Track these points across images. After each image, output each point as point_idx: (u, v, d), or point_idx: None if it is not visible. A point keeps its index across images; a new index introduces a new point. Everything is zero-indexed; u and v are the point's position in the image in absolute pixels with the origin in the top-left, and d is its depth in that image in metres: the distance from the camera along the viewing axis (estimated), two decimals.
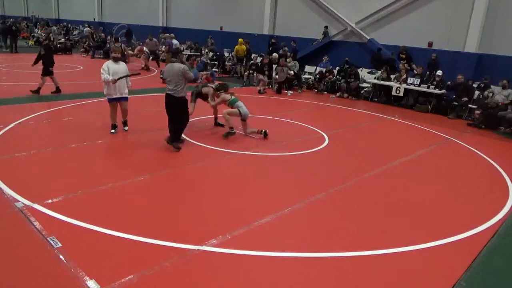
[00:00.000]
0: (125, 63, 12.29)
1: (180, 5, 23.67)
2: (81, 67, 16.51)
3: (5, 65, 15.21)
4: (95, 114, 8.59)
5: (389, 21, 15.18)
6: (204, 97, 8.21)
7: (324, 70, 15.04)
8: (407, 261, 3.87)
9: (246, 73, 15.14)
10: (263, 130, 7.79)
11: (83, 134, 7.08)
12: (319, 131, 8.67)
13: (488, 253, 4.10)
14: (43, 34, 25.38)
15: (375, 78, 13.73)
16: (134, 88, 9.53)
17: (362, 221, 4.64)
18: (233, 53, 17.49)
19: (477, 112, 10.45)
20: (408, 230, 4.49)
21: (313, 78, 15.00)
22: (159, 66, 17.36)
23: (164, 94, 6.60)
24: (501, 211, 5.16)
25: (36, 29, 29.22)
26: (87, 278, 3.20)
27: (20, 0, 38.55)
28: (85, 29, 25.41)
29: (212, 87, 7.98)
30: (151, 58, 17.78)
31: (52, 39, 24.46)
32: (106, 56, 16.52)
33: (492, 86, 11.45)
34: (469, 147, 8.32)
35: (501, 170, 6.89)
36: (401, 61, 13.81)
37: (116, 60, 7.00)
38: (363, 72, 14.86)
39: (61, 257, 3.47)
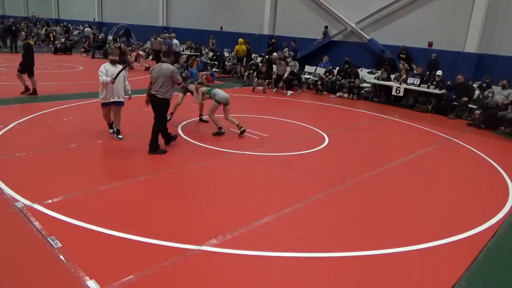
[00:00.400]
0: (125, 63, 12.37)
1: (180, 5, 23.68)
2: (81, 67, 16.51)
3: (5, 65, 15.21)
4: (95, 114, 8.57)
5: (389, 21, 15.19)
6: (191, 93, 8.32)
7: (324, 71, 15.03)
8: (407, 261, 3.87)
9: (246, 73, 15.14)
10: (242, 128, 7.73)
11: (83, 134, 7.08)
12: (319, 131, 8.67)
13: (488, 253, 4.10)
14: (42, 33, 25.39)
15: (375, 78, 13.73)
16: (134, 88, 9.52)
17: (362, 221, 4.64)
18: (233, 53, 17.49)
19: (477, 112, 10.45)
20: (408, 230, 4.49)
21: (313, 78, 14.99)
22: None
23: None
24: (501, 211, 5.16)
25: (36, 29, 29.21)
26: (87, 278, 3.20)
27: (20, 0, 38.55)
28: (85, 29, 25.44)
29: (196, 83, 8.11)
30: (150, 58, 17.81)
31: (52, 39, 24.53)
32: (106, 56, 16.49)
33: (492, 86, 11.45)
34: (469, 147, 8.32)
35: (501, 170, 6.88)
36: (401, 61, 13.82)
37: (113, 62, 6.75)
38: (363, 72, 14.87)
39: (61, 257, 3.47)
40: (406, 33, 14.58)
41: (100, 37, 22.49)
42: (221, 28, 21.44)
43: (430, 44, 14.15)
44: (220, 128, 7.66)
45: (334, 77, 14.55)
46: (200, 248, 3.77)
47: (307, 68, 16.28)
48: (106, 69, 6.58)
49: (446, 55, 13.35)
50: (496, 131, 10.00)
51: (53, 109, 8.92)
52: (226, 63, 17.79)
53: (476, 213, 5.09)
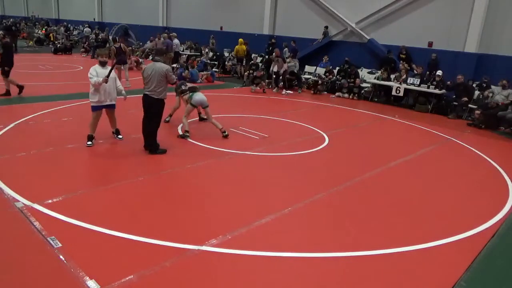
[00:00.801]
0: (125, 63, 12.40)
1: (180, 5, 23.68)
2: (81, 67, 16.50)
3: None
4: None
5: (389, 21, 15.18)
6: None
7: (324, 71, 15.02)
8: (407, 261, 3.87)
9: (246, 73, 15.14)
10: (225, 133, 7.55)
11: (83, 134, 7.06)
12: (319, 131, 8.67)
13: (488, 253, 4.10)
14: (41, 33, 25.42)
15: (375, 78, 13.73)
16: (134, 88, 9.54)
17: (362, 221, 4.64)
18: (233, 53, 17.49)
19: (477, 112, 10.45)
20: (408, 230, 4.49)
21: (312, 78, 14.98)
22: None
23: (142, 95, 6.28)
24: (501, 211, 5.16)
25: (36, 29, 29.23)
26: (87, 278, 3.20)
27: (20, 0, 38.56)
28: (85, 29, 25.44)
29: (184, 88, 8.11)
30: (151, 58, 17.79)
31: (52, 39, 24.54)
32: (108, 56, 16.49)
33: (492, 86, 11.45)
34: (469, 147, 8.32)
35: (501, 170, 6.88)
36: (401, 61, 13.81)
37: (103, 64, 6.49)
38: (363, 72, 14.86)
39: (61, 257, 3.47)
40: (406, 33, 14.58)
41: (100, 37, 22.49)
42: (221, 28, 21.44)
43: (430, 44, 14.15)
44: (187, 131, 7.44)
45: (334, 77, 14.55)
46: (200, 248, 3.77)
47: (307, 68, 16.28)
48: (96, 71, 6.34)
49: (446, 55, 13.34)
50: (496, 131, 9.99)
51: (53, 109, 8.92)
52: (226, 63, 17.79)
53: (476, 213, 5.09)
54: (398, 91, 12.30)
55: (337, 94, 13.69)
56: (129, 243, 3.78)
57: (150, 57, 21.14)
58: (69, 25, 29.30)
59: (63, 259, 3.44)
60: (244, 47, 16.67)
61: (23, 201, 4.45)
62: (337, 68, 15.22)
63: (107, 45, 20.01)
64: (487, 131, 9.99)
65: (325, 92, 14.24)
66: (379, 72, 13.66)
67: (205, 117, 8.59)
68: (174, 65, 14.80)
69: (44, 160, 5.83)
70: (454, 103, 11.49)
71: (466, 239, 4.35)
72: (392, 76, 12.97)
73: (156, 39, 18.44)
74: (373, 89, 13.52)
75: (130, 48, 19.85)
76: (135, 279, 3.25)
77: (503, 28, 12.49)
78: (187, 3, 23.12)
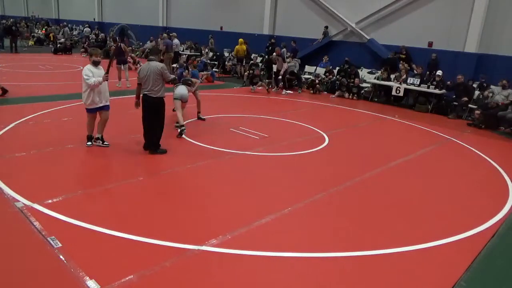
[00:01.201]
0: (125, 63, 12.39)
1: (180, 5, 23.68)
2: (81, 67, 16.47)
3: (5, 65, 15.21)
4: None
5: (389, 21, 15.18)
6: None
7: (324, 71, 15.01)
8: (407, 261, 3.87)
9: (246, 73, 15.14)
10: (180, 129, 7.43)
11: (83, 134, 7.06)
12: (319, 131, 8.67)
13: (488, 253, 4.10)
14: (41, 33, 25.42)
15: (375, 78, 13.73)
16: (135, 88, 9.51)
17: (362, 221, 4.64)
18: (233, 53, 17.49)
19: (477, 112, 10.45)
20: (408, 230, 4.49)
21: (312, 78, 14.99)
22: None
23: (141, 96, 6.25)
24: (501, 211, 5.16)
25: (36, 29, 29.24)
26: (87, 278, 3.20)
27: (20, 0, 38.56)
28: (85, 29, 25.45)
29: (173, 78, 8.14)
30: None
31: (52, 39, 24.54)
32: (106, 56, 16.51)
33: (492, 86, 11.46)
34: (469, 147, 8.32)
35: (501, 170, 6.88)
36: (401, 61, 13.80)
37: (96, 64, 6.27)
38: (363, 72, 14.86)
39: (61, 257, 3.47)
40: (406, 33, 14.57)
41: (100, 37, 22.50)
42: (221, 28, 21.44)
43: (430, 44, 14.15)
44: (182, 126, 7.50)
45: (334, 77, 14.54)
46: (200, 248, 3.77)
47: (307, 68, 16.28)
48: (92, 72, 6.14)
49: (446, 55, 13.34)
50: (496, 131, 9.99)
51: (53, 109, 8.93)
52: (226, 63, 17.79)
53: (476, 213, 5.09)
54: (398, 91, 12.30)
55: (337, 93, 13.68)
56: (129, 243, 3.78)
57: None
58: (69, 25, 29.30)
59: (63, 259, 3.44)
60: (244, 47, 16.67)
61: (23, 201, 4.45)
62: (337, 68, 15.22)
63: (107, 45, 20.04)
64: (487, 131, 9.99)
65: (325, 92, 14.24)
66: (379, 72, 13.66)
67: (204, 118, 8.68)
68: (174, 65, 14.80)
69: (44, 160, 5.83)
70: (454, 103, 11.50)
71: (466, 239, 4.35)
72: (392, 76, 12.97)
73: (159, 39, 18.45)
74: (373, 89, 13.52)
75: (130, 48, 19.88)
76: (135, 279, 3.25)
77: (503, 28, 12.49)
78: (187, 3, 23.12)
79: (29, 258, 3.46)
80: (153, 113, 6.27)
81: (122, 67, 12.27)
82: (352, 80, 13.65)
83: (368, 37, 15.69)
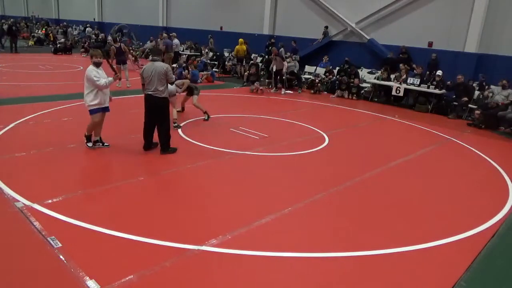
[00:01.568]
0: (125, 63, 12.40)
1: (180, 5, 23.68)
2: (81, 67, 16.50)
3: (5, 65, 15.22)
4: None
5: (389, 21, 15.19)
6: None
7: (324, 71, 15.00)
8: (407, 261, 3.87)
9: (246, 73, 15.15)
10: (175, 124, 7.87)
11: (83, 134, 7.06)
12: (319, 131, 8.67)
13: (488, 253, 4.10)
14: (41, 33, 25.41)
15: (375, 78, 13.72)
16: (135, 88, 9.54)
17: (362, 221, 4.64)
18: (233, 53, 17.49)
19: (477, 112, 10.45)
20: (408, 230, 4.49)
21: (312, 78, 14.98)
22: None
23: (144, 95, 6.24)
24: (501, 211, 5.16)
25: (36, 29, 29.24)
26: (87, 278, 3.20)
27: (20, 0, 38.56)
28: (87, 29, 25.47)
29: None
30: (151, 58, 17.81)
31: (52, 39, 24.54)
32: (106, 56, 16.52)
33: (492, 86, 11.46)
34: (469, 147, 8.32)
35: (501, 170, 6.88)
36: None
37: (98, 65, 6.17)
38: (363, 72, 14.86)
39: (61, 257, 3.47)
40: (406, 33, 14.58)
41: (100, 37, 22.50)
42: (221, 28, 21.44)
43: (430, 44, 14.15)
44: (175, 120, 7.90)
45: (334, 77, 14.54)
46: (200, 248, 3.77)
47: (307, 68, 16.28)
48: (98, 73, 6.07)
49: (446, 55, 13.34)
50: (496, 131, 9.99)
51: (53, 109, 8.93)
52: (226, 63, 17.79)
53: (476, 213, 5.09)
54: (398, 91, 12.30)
55: (336, 93, 13.67)
56: (129, 243, 3.78)
57: (150, 57, 21.21)
58: (66, 25, 29.31)
59: (63, 259, 3.44)
60: (244, 47, 16.68)
61: (23, 201, 4.45)
62: (337, 68, 15.22)
63: (107, 45, 20.04)
64: (487, 131, 9.99)
65: (325, 92, 14.24)
66: (379, 72, 13.66)
67: (206, 118, 8.71)
68: (174, 65, 14.81)
69: (44, 160, 5.83)
70: (454, 103, 11.49)
71: (466, 239, 4.35)
72: (392, 76, 12.97)
73: (158, 39, 18.46)
74: (373, 89, 13.52)
75: (130, 48, 19.89)
76: (135, 279, 3.25)
77: (503, 28, 12.49)
78: (187, 3, 23.13)
79: (29, 258, 3.46)
80: (157, 113, 6.24)
81: (122, 67, 12.27)
82: (352, 80, 13.65)
83: (368, 37, 15.69)
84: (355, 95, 13.39)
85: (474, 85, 11.79)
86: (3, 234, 3.83)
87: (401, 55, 14.11)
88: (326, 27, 16.87)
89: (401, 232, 4.42)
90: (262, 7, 19.00)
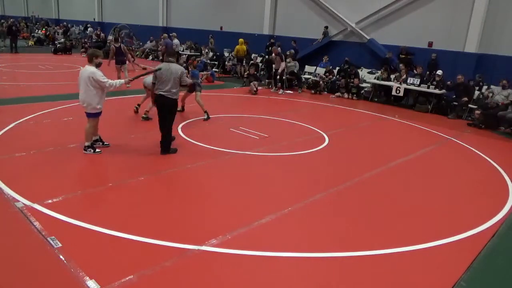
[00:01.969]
0: (124, 63, 12.40)
1: (180, 5, 23.68)
2: (81, 67, 16.52)
3: (5, 65, 15.21)
4: None
5: (389, 21, 15.18)
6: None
7: (324, 71, 14.99)
8: (407, 261, 3.87)
9: (246, 73, 15.14)
10: (145, 116, 8.26)
11: (83, 134, 7.06)
12: (319, 131, 8.67)
13: (488, 253, 4.10)
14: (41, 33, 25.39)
15: (375, 78, 13.72)
16: (135, 88, 9.54)
17: (362, 221, 4.64)
18: (233, 53, 17.49)
19: (477, 112, 10.45)
20: (408, 230, 4.49)
21: (313, 78, 14.97)
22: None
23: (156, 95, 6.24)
24: (501, 211, 5.16)
25: (36, 29, 29.23)
26: (87, 278, 3.20)
27: (20, 0, 38.55)
28: (89, 29, 25.46)
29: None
30: (150, 58, 17.82)
31: (52, 38, 24.54)
32: (106, 56, 16.52)
33: (492, 86, 11.45)
34: (469, 147, 8.32)
35: (501, 170, 6.88)
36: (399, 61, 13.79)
37: (99, 66, 6.03)
38: (363, 72, 14.86)
39: (61, 257, 3.47)
40: (406, 33, 14.57)
41: (100, 37, 22.50)
42: (221, 28, 21.43)
43: (430, 44, 14.14)
44: (147, 111, 8.30)
45: (334, 77, 14.54)
46: (200, 248, 3.77)
47: (307, 68, 16.27)
48: (103, 74, 5.92)
49: (446, 55, 13.34)
50: (496, 131, 9.99)
51: (53, 109, 8.93)
52: (226, 63, 17.79)
53: (476, 213, 5.09)
54: (398, 91, 12.30)
55: (336, 94, 13.68)
56: (129, 243, 3.78)
57: (150, 57, 21.25)
58: (69, 25, 29.30)
59: (63, 259, 3.44)
60: (244, 47, 16.67)
61: (23, 201, 4.45)
62: (337, 68, 15.22)
63: (107, 45, 20.03)
64: (487, 131, 9.98)
65: (325, 92, 14.24)
66: (379, 72, 13.66)
67: (205, 118, 8.73)
68: None
69: (44, 160, 5.83)
70: (454, 103, 11.49)
71: (466, 239, 4.35)
72: (392, 76, 12.97)
73: (160, 40, 18.47)
74: (373, 89, 13.52)
75: (131, 48, 19.90)
76: (135, 279, 3.25)
77: (503, 28, 12.49)
78: (187, 3, 23.12)
79: (29, 258, 3.46)
80: (165, 112, 6.27)
81: (122, 67, 12.27)
82: (352, 80, 13.65)
83: (368, 37, 15.68)
84: (355, 95, 13.38)
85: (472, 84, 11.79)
86: (3, 234, 3.83)
87: (401, 55, 14.10)
88: (326, 27, 16.86)
89: (401, 232, 4.42)
90: (262, 7, 18.99)
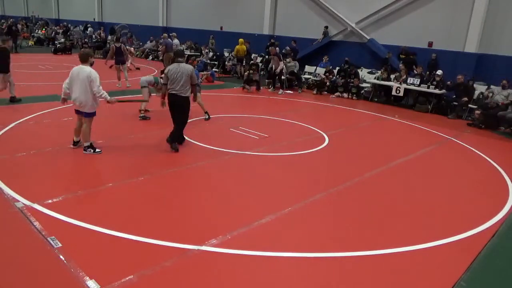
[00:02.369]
0: (124, 63, 12.39)
1: (180, 5, 23.68)
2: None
3: None
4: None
5: (389, 21, 15.18)
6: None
7: (324, 71, 15.00)
8: (407, 261, 3.87)
9: (246, 73, 15.13)
10: (141, 114, 8.47)
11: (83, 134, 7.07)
12: (319, 131, 8.67)
13: (488, 253, 4.10)
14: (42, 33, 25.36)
15: (375, 78, 13.72)
16: (135, 88, 9.54)
17: (362, 221, 4.64)
18: (233, 53, 17.49)
19: (477, 112, 10.45)
20: (408, 230, 4.49)
21: (313, 78, 14.96)
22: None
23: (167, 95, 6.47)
24: (501, 211, 5.16)
25: (36, 29, 29.21)
26: (87, 278, 3.20)
27: (20, 0, 38.54)
28: (89, 29, 25.45)
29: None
30: (150, 58, 17.81)
31: (51, 39, 24.51)
32: (106, 56, 16.51)
33: (492, 86, 11.44)
34: (469, 147, 8.32)
35: (501, 170, 6.88)
36: (401, 62, 13.78)
37: (91, 65, 6.02)
38: (363, 72, 14.86)
39: (61, 257, 3.47)
40: (406, 33, 14.57)
41: (100, 37, 22.49)
42: (221, 28, 21.44)
43: (430, 44, 14.14)
44: (143, 111, 8.53)
45: (334, 77, 14.54)
46: (200, 248, 3.77)
47: (307, 68, 16.28)
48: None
49: (446, 55, 13.34)
50: (496, 131, 9.99)
51: (53, 109, 8.92)
52: (226, 63, 17.79)
53: (476, 213, 5.09)
54: (398, 91, 12.30)
55: (336, 94, 13.67)
56: (129, 243, 3.78)
57: (150, 57, 21.24)
58: (69, 25, 29.30)
59: (63, 259, 3.44)
60: (244, 47, 16.65)
61: (23, 201, 4.45)
62: (337, 68, 15.22)
63: (107, 45, 20.02)
64: (487, 131, 9.98)
65: (325, 92, 14.23)
66: (379, 72, 13.66)
67: (206, 118, 8.74)
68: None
69: (44, 160, 5.83)
70: (454, 103, 11.49)
71: (466, 239, 4.35)
72: (392, 76, 12.97)
73: (160, 40, 18.46)
74: (373, 89, 13.51)
75: (132, 48, 19.88)
76: (135, 279, 3.24)
77: (503, 28, 12.49)
78: (187, 3, 23.12)
79: (29, 258, 3.46)
80: (180, 110, 6.53)
81: (121, 67, 12.26)
82: (351, 80, 13.65)
83: (368, 37, 15.69)
84: (355, 95, 13.38)
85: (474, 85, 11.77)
86: (3, 234, 3.83)
87: (400, 55, 14.09)
88: (326, 27, 16.86)
89: (401, 232, 4.42)
90: (262, 7, 18.99)
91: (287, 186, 5.53)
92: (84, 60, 6.02)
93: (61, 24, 29.86)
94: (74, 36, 24.60)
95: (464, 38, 13.04)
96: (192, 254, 3.68)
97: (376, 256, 3.88)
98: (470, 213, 5.08)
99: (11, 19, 25.35)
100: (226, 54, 19.15)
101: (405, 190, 5.77)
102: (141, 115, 8.44)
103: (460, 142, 8.67)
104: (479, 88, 11.91)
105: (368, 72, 14.87)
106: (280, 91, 13.55)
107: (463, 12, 13.03)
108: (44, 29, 28.04)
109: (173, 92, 6.36)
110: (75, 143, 6.35)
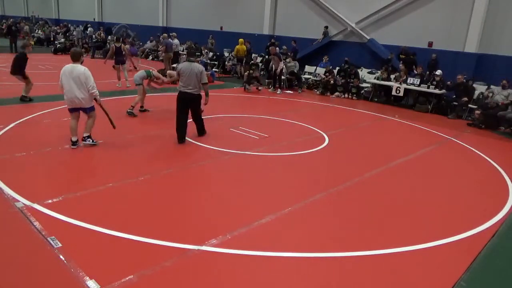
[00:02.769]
0: (124, 63, 12.38)
1: (180, 5, 23.68)
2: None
3: (5, 65, 15.19)
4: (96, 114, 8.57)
5: (389, 21, 15.19)
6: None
7: (324, 71, 15.00)
8: (407, 261, 3.87)
9: (246, 73, 15.13)
10: (129, 111, 8.57)
11: (83, 134, 7.07)
12: (319, 131, 8.67)
13: (488, 253, 4.10)
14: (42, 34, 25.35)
15: (375, 78, 13.72)
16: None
17: (362, 221, 4.64)
18: (233, 53, 17.49)
19: (477, 112, 10.45)
20: (408, 230, 4.49)
21: (313, 78, 14.94)
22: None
23: (178, 93, 6.81)
24: (501, 211, 5.16)
25: (36, 29, 29.21)
26: (87, 278, 3.20)
27: (20, 0, 38.55)
28: (89, 29, 25.47)
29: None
30: (150, 58, 17.79)
31: (52, 38, 24.51)
32: (106, 56, 16.50)
33: (492, 86, 11.44)
34: (469, 147, 8.32)
35: (501, 170, 6.88)
36: (401, 62, 13.78)
37: (82, 63, 6.34)
38: (363, 72, 14.87)
39: (61, 257, 3.47)
40: (406, 33, 14.58)
41: (100, 37, 22.48)
42: (221, 28, 21.44)
43: (430, 44, 14.15)
44: (132, 107, 8.61)
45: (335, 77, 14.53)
46: (200, 248, 3.77)
47: (307, 68, 16.28)
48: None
49: (446, 55, 13.34)
50: (496, 131, 9.99)
51: (53, 109, 8.93)
52: (226, 63, 17.79)
53: (476, 213, 5.09)
54: (398, 91, 12.30)
55: (336, 94, 13.67)
56: (129, 243, 3.78)
57: (150, 57, 21.25)
58: (69, 25, 29.30)
59: (63, 259, 3.44)
60: (244, 47, 16.65)
61: (23, 201, 4.45)
62: (337, 68, 15.22)
63: (107, 45, 20.02)
64: (487, 131, 9.98)
65: (328, 93, 14.21)
66: (379, 72, 13.66)
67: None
68: (174, 65, 14.80)
69: (44, 160, 5.83)
70: (454, 103, 11.49)
71: (466, 239, 4.35)
72: (392, 76, 12.97)
73: (162, 39, 18.46)
74: (373, 89, 13.52)
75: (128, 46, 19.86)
76: (135, 279, 3.24)
77: (503, 28, 12.49)
78: (187, 3, 23.13)
79: (29, 258, 3.46)
80: (193, 106, 7.00)
81: (121, 67, 12.25)
82: (351, 80, 13.64)
83: (368, 37, 15.69)
84: (355, 95, 13.38)
85: (474, 85, 11.78)
86: (3, 234, 3.83)
87: (400, 56, 14.09)
88: (326, 27, 16.86)
89: (401, 232, 4.42)
90: (262, 7, 19.00)
91: (287, 186, 5.53)
92: (76, 59, 6.34)
93: (61, 24, 29.87)
94: (74, 36, 24.59)
95: (464, 38, 13.05)
96: (192, 254, 3.68)
97: (376, 256, 3.88)
98: (470, 213, 5.08)
99: (11, 19, 25.36)
100: (226, 54, 19.15)
101: (405, 190, 5.77)
102: (129, 110, 8.53)
103: (460, 142, 8.67)
104: (479, 88, 11.92)
105: (368, 72, 14.87)
106: (278, 90, 13.54)
107: (463, 12, 13.03)
108: (43, 29, 28.03)
109: (185, 90, 6.69)
110: (74, 143, 6.37)
